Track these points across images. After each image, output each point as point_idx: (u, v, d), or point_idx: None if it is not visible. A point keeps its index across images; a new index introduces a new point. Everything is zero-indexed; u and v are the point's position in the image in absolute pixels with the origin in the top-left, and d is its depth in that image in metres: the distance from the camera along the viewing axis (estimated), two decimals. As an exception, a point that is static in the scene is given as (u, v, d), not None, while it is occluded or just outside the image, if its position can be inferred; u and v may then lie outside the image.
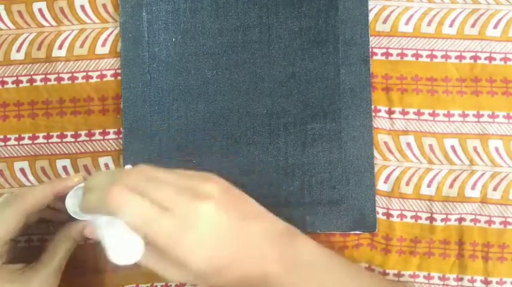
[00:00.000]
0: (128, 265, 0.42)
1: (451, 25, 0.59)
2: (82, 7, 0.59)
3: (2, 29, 0.59)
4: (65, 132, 0.58)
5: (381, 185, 0.58)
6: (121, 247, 0.42)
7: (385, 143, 0.58)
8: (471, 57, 0.58)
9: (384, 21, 0.59)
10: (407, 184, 0.58)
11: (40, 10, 0.59)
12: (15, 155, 0.58)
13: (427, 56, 0.58)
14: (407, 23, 0.59)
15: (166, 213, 0.42)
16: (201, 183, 0.44)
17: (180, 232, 0.42)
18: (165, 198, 0.42)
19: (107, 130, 0.58)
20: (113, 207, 0.41)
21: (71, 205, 0.52)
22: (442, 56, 0.58)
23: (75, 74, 0.59)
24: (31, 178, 0.58)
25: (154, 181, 0.44)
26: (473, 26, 0.58)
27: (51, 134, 0.58)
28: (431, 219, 0.57)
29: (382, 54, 0.59)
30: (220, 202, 0.44)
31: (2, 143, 0.58)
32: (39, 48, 0.59)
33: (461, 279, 0.57)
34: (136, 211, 0.41)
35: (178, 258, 0.42)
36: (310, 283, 0.47)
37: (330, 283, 0.49)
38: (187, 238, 0.42)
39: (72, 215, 0.52)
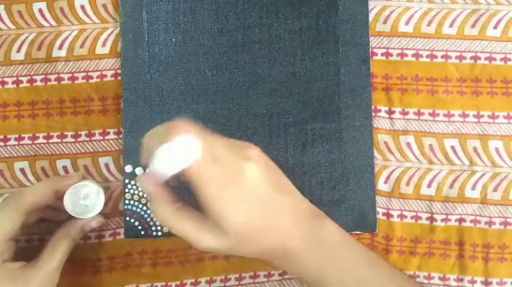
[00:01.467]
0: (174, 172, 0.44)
1: (451, 25, 0.59)
2: (82, 7, 0.59)
3: (2, 29, 0.59)
4: (65, 133, 0.58)
5: (381, 185, 0.58)
6: (170, 157, 0.43)
7: (385, 143, 0.58)
8: (471, 58, 0.58)
9: (384, 21, 0.59)
10: (408, 184, 0.58)
11: (40, 10, 0.59)
12: (15, 155, 0.58)
13: (427, 56, 0.58)
14: (407, 23, 0.59)
15: (217, 164, 0.44)
16: (246, 148, 0.47)
17: (223, 185, 0.44)
18: (218, 151, 0.45)
19: (107, 130, 0.58)
20: (178, 134, 0.43)
21: (70, 203, 0.52)
22: (442, 56, 0.58)
23: (75, 74, 0.59)
24: (31, 178, 0.58)
25: (209, 134, 0.46)
26: (473, 26, 0.58)
27: (51, 134, 0.58)
28: (432, 219, 0.57)
29: (382, 54, 0.59)
30: (262, 167, 0.46)
31: (2, 143, 0.58)
32: (39, 49, 0.59)
33: (462, 280, 0.57)
34: (193, 154, 0.43)
35: (216, 212, 0.44)
36: (327, 264, 0.49)
37: (347, 267, 0.50)
38: (230, 191, 0.44)
39: (70, 213, 0.52)
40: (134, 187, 0.57)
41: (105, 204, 0.55)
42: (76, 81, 0.59)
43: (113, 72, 0.59)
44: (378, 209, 0.57)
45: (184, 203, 0.48)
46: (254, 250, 0.47)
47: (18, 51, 0.59)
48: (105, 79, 0.59)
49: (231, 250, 0.47)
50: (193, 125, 0.46)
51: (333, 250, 0.49)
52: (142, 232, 0.57)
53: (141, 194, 0.57)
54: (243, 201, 0.45)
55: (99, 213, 0.54)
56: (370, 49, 0.58)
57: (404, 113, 0.58)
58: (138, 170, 0.57)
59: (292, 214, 0.48)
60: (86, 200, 0.53)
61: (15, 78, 0.59)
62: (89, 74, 0.59)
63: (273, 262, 0.49)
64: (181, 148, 0.43)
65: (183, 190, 0.46)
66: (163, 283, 0.58)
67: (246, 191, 0.45)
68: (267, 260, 0.49)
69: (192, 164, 0.43)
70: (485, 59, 0.58)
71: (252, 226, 0.46)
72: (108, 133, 0.58)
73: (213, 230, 0.45)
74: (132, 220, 0.57)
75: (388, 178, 0.58)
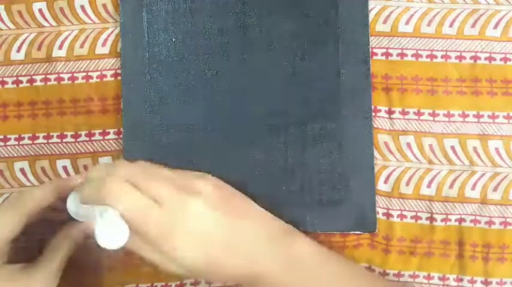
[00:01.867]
0: (112, 249, 0.44)
1: (451, 25, 0.59)
2: (82, 7, 0.59)
3: (2, 29, 0.59)
4: (65, 133, 0.58)
5: (381, 185, 0.58)
6: (107, 233, 0.43)
7: (385, 143, 0.58)
8: (471, 58, 0.58)
9: (384, 22, 0.59)
10: (407, 184, 0.58)
11: (40, 10, 0.59)
12: (15, 155, 0.58)
13: (427, 56, 0.58)
14: (407, 23, 0.59)
15: (157, 206, 0.43)
16: (194, 180, 0.46)
17: (169, 226, 0.43)
18: (157, 192, 0.44)
19: (107, 130, 0.58)
20: (107, 197, 0.43)
21: (73, 205, 0.52)
22: (442, 56, 0.58)
23: (75, 74, 0.59)
24: (31, 178, 0.58)
25: (149, 175, 0.45)
26: (473, 26, 0.58)
27: (51, 134, 0.58)
28: (432, 219, 0.57)
29: (382, 54, 0.59)
30: (211, 199, 0.45)
31: (2, 143, 0.58)
32: (39, 49, 0.59)
33: (461, 280, 0.57)
34: (129, 201, 0.43)
35: (169, 254, 0.44)
36: (307, 283, 0.47)
37: (327, 282, 0.49)
38: (175, 233, 0.43)
39: (73, 216, 0.52)
40: (134, 187, 0.57)
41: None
42: (76, 81, 0.59)
43: (113, 72, 0.59)
44: (377, 209, 0.57)
45: None
46: (222, 278, 0.46)
47: (18, 51, 0.59)
48: (105, 79, 0.59)
49: (198, 277, 0.46)
50: (129, 166, 0.45)
51: (311, 266, 0.48)
52: (142, 232, 0.57)
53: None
54: (192, 238, 0.44)
55: None
56: (370, 49, 0.58)
57: (404, 113, 0.58)
58: (138, 170, 0.57)
59: (257, 236, 0.47)
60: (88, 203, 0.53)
61: (15, 78, 0.59)
62: (89, 74, 0.59)
63: None
64: (114, 226, 0.43)
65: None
66: (163, 283, 0.57)
67: (194, 227, 0.44)
68: (244, 285, 0.48)
69: (130, 213, 0.43)
70: (485, 59, 0.58)
71: (209, 258, 0.45)
72: (108, 133, 0.58)
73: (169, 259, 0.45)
74: (132, 220, 0.57)
75: (388, 178, 0.58)
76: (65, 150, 0.58)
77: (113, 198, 0.43)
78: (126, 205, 0.43)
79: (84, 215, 0.53)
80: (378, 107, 0.58)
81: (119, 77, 0.58)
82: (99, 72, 0.59)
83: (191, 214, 0.44)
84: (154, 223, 0.43)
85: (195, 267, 0.44)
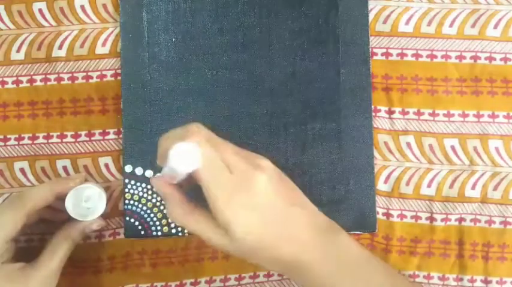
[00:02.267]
0: (181, 171, 0.43)
1: (451, 25, 0.59)
2: (82, 7, 0.59)
3: (2, 29, 0.59)
4: (65, 133, 0.58)
5: (381, 185, 0.58)
6: (182, 157, 0.43)
7: (385, 143, 0.58)
8: (471, 57, 0.58)
9: (384, 21, 0.59)
10: (408, 184, 0.58)
11: (40, 10, 0.59)
12: (15, 155, 0.58)
13: (427, 56, 0.58)
14: (407, 23, 0.59)
15: (228, 171, 0.44)
16: (258, 158, 0.46)
17: (235, 192, 0.44)
18: (230, 159, 0.45)
19: (106, 130, 0.58)
20: (191, 141, 0.43)
21: (71, 205, 0.52)
22: (442, 56, 0.58)
23: (75, 74, 0.59)
24: (31, 178, 0.58)
25: (224, 142, 0.46)
26: (473, 26, 0.58)
27: (51, 134, 0.58)
28: (432, 219, 0.58)
29: (382, 54, 0.59)
30: (274, 178, 0.46)
31: (2, 143, 0.58)
32: (39, 49, 0.59)
33: (461, 279, 0.57)
34: (207, 158, 0.43)
35: (224, 218, 0.44)
36: (344, 278, 0.48)
37: (364, 280, 0.49)
38: (239, 199, 0.44)
39: (72, 215, 0.52)
40: (134, 187, 0.57)
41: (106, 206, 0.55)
42: (76, 81, 0.59)
43: (113, 72, 0.59)
44: (377, 209, 0.57)
45: (197, 203, 0.47)
46: (266, 259, 0.46)
47: (18, 51, 0.59)
48: (105, 79, 0.59)
49: (243, 256, 0.46)
50: (208, 131, 0.46)
51: (349, 263, 0.48)
52: (142, 232, 0.57)
53: (141, 194, 0.57)
54: (250, 210, 0.45)
55: (101, 216, 0.54)
56: (370, 49, 0.58)
57: (404, 113, 0.58)
58: (138, 170, 0.57)
59: (306, 226, 0.47)
60: (87, 203, 0.53)
61: (15, 78, 0.59)
62: (89, 74, 0.59)
63: (286, 274, 0.49)
64: (191, 151, 0.43)
65: (194, 193, 0.46)
66: (163, 283, 0.58)
67: (255, 200, 0.45)
68: (280, 272, 0.48)
69: (204, 167, 0.43)
70: (485, 58, 0.58)
71: (260, 236, 0.45)
72: (108, 133, 0.58)
73: (225, 234, 0.45)
74: (132, 220, 0.57)
75: (388, 177, 0.58)
76: (65, 150, 0.58)
77: (196, 144, 0.43)
78: (203, 158, 0.43)
79: (83, 215, 0.53)
80: (378, 107, 0.58)
81: (119, 77, 0.58)
82: (99, 72, 0.59)
83: (256, 186, 0.45)
84: (222, 184, 0.44)
85: (243, 242, 0.45)
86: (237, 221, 0.44)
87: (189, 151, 0.43)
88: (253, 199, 0.45)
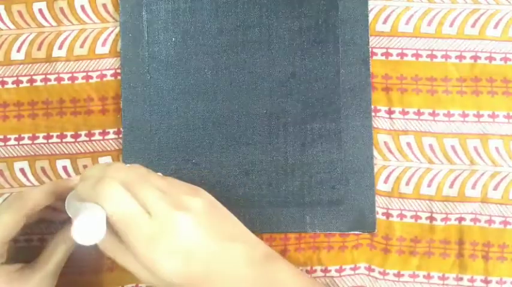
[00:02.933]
0: (84, 244, 0.43)
1: (451, 25, 0.59)
2: (82, 7, 0.59)
3: (2, 29, 0.59)
4: (65, 133, 0.58)
5: (381, 185, 0.58)
6: (84, 227, 0.43)
7: (385, 143, 0.58)
8: (471, 57, 0.58)
9: (384, 21, 0.59)
10: (407, 183, 0.58)
11: (40, 10, 0.59)
12: (15, 155, 0.58)
13: (427, 56, 0.58)
14: (407, 23, 0.59)
15: (146, 216, 0.43)
16: (187, 194, 0.45)
17: (154, 238, 0.43)
18: (149, 201, 0.43)
19: (106, 130, 0.58)
20: (99, 195, 0.43)
21: (72, 206, 0.52)
22: (442, 56, 0.58)
23: (75, 74, 0.59)
24: (31, 178, 0.58)
25: (144, 181, 0.45)
26: (473, 26, 0.58)
27: (51, 134, 0.58)
28: (431, 219, 0.57)
29: (382, 54, 0.58)
30: (201, 217, 0.44)
31: (2, 143, 0.58)
32: (39, 49, 0.59)
33: (461, 279, 0.57)
34: (119, 204, 0.43)
35: (147, 264, 0.43)
36: None
37: None
38: (160, 245, 0.43)
39: (72, 217, 0.52)
40: (134, 187, 0.57)
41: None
42: (76, 81, 0.59)
43: (113, 72, 0.59)
44: (377, 209, 0.57)
45: None
46: None
47: (18, 51, 0.59)
48: (105, 79, 0.59)
49: None
50: (129, 167, 0.45)
51: None
52: (142, 232, 0.57)
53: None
54: (174, 253, 0.43)
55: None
56: (370, 49, 0.58)
57: (404, 113, 0.58)
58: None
59: (242, 260, 0.46)
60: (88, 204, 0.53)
61: (15, 78, 0.59)
62: (89, 74, 0.59)
63: None
64: (94, 222, 0.43)
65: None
66: (163, 283, 0.58)
67: (177, 243, 0.43)
68: None
69: (118, 217, 0.43)
70: (485, 58, 0.58)
71: (188, 275, 0.44)
72: (108, 133, 0.58)
73: (152, 274, 0.44)
74: (132, 220, 0.57)
75: (387, 177, 0.58)
76: (64, 150, 0.58)
77: (104, 198, 0.43)
78: (116, 207, 0.43)
79: (75, 213, 0.53)
80: (378, 107, 0.58)
81: (119, 77, 0.58)
82: (99, 72, 0.59)
83: (178, 229, 0.43)
84: (140, 231, 0.43)
85: (170, 282, 0.44)
86: (160, 265, 0.43)
87: (93, 223, 0.42)
88: (175, 242, 0.43)
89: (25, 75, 0.59)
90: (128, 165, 0.47)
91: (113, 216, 0.43)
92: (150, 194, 0.44)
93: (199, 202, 0.45)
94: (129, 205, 0.43)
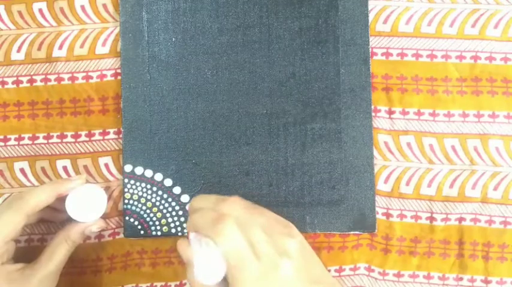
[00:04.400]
0: (207, 283, 0.45)
1: (451, 25, 0.59)
2: (82, 7, 0.59)
3: (2, 29, 0.59)
4: (65, 133, 0.58)
5: (381, 185, 0.58)
6: (206, 267, 0.44)
7: (385, 143, 0.58)
8: (471, 57, 0.58)
9: (384, 21, 0.59)
10: (408, 184, 0.58)
11: (40, 10, 0.59)
12: (15, 155, 0.58)
13: (427, 56, 0.58)
14: (407, 23, 0.59)
15: (254, 258, 0.45)
16: (283, 235, 0.47)
17: (260, 280, 0.44)
18: (257, 244, 0.45)
19: (106, 130, 0.58)
20: (220, 235, 0.44)
21: (72, 206, 0.52)
22: (442, 56, 0.58)
23: (75, 74, 0.59)
24: (31, 178, 0.58)
25: (251, 221, 0.46)
26: (473, 26, 0.58)
27: (51, 134, 0.58)
28: (432, 219, 0.57)
29: (382, 54, 0.58)
30: (297, 262, 0.46)
31: (2, 143, 0.58)
32: (39, 49, 0.59)
33: (461, 279, 0.57)
34: (236, 246, 0.44)
35: None
36: None
37: None
38: (264, 285, 0.45)
39: (72, 216, 0.52)
40: (134, 187, 0.57)
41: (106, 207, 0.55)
42: (76, 81, 0.59)
43: (113, 72, 0.59)
44: (377, 209, 0.57)
45: None
46: None
47: (18, 51, 0.59)
48: (105, 79, 0.59)
49: None
50: (242, 204, 0.47)
51: None
52: (142, 232, 0.57)
53: (140, 193, 0.57)
54: None
55: (101, 217, 0.54)
56: (370, 49, 0.58)
57: (404, 113, 0.58)
58: (138, 170, 0.57)
59: None
60: (88, 204, 0.53)
61: (15, 78, 0.59)
62: (89, 74, 0.59)
63: None
64: (215, 263, 0.44)
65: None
66: (163, 283, 0.58)
67: (280, 286, 0.45)
68: None
69: (230, 256, 0.44)
70: (486, 58, 0.58)
71: None
72: (108, 133, 0.58)
73: None
74: (132, 220, 0.57)
75: (388, 177, 0.58)
76: (65, 150, 0.58)
77: (224, 237, 0.44)
78: (232, 247, 0.44)
79: (83, 216, 0.53)
80: (378, 107, 0.58)
81: (119, 77, 0.58)
82: (99, 72, 0.59)
83: (280, 274, 0.45)
84: (248, 273, 0.44)
85: None
86: None
87: (214, 264, 0.44)
88: (277, 285, 0.45)
89: (25, 76, 0.59)
90: (230, 198, 0.48)
91: (226, 255, 0.44)
92: (258, 236, 0.45)
93: (295, 245, 0.46)
94: (243, 246, 0.45)
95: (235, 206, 0.47)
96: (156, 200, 0.57)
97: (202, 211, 0.47)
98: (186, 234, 0.57)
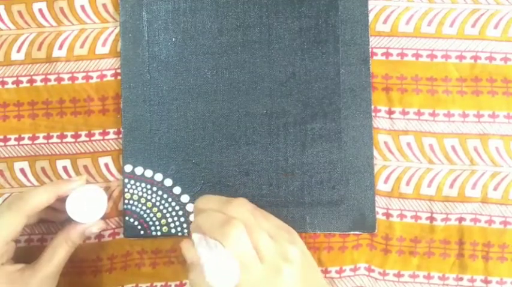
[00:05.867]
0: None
1: (451, 25, 0.58)
2: (82, 7, 0.59)
3: (2, 29, 0.59)
4: (65, 133, 0.58)
5: (381, 185, 0.58)
6: (220, 272, 0.45)
7: (385, 143, 0.58)
8: (471, 57, 0.58)
9: (384, 21, 0.59)
10: (408, 184, 0.58)
11: (40, 10, 0.59)
12: (15, 155, 0.58)
13: (427, 56, 0.58)
14: (407, 23, 0.59)
15: (258, 261, 0.46)
16: (286, 241, 0.47)
17: (262, 283, 0.45)
18: (262, 248, 0.46)
19: (106, 130, 0.58)
20: (228, 237, 0.45)
21: (72, 207, 0.52)
22: (442, 56, 0.58)
23: (75, 74, 0.59)
24: (31, 178, 0.58)
25: (256, 224, 0.47)
26: (473, 26, 0.58)
27: (51, 134, 0.58)
28: (432, 219, 0.57)
29: (382, 54, 0.58)
30: (298, 269, 0.47)
31: (2, 143, 0.58)
32: (39, 49, 0.59)
33: (461, 279, 0.57)
34: (242, 249, 0.45)
35: None
36: None
37: None
38: None
39: (72, 217, 0.52)
40: (134, 187, 0.57)
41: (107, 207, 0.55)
42: (76, 81, 0.59)
43: (113, 72, 0.59)
44: (377, 209, 0.57)
45: None
46: None
47: (18, 51, 0.59)
48: (105, 79, 0.59)
49: None
50: (249, 208, 0.48)
51: None
52: (142, 232, 0.57)
53: (140, 193, 0.57)
54: None
55: (101, 218, 0.54)
56: (370, 49, 0.58)
57: (404, 113, 0.58)
58: (138, 170, 0.57)
59: None
60: (88, 205, 0.53)
61: (15, 78, 0.59)
62: (89, 74, 0.59)
63: None
64: (229, 266, 0.45)
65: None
66: (163, 283, 0.58)
67: None
68: None
69: (241, 258, 0.45)
70: (486, 58, 0.58)
71: None
72: (108, 133, 0.58)
73: None
74: (132, 220, 0.57)
75: (388, 177, 0.58)
76: (64, 150, 0.58)
77: (231, 240, 0.45)
78: (238, 249, 0.45)
79: (83, 217, 0.53)
80: (378, 107, 0.58)
81: (119, 77, 0.58)
82: (99, 72, 0.59)
83: (281, 280, 0.46)
84: (251, 275, 0.45)
85: None
86: None
87: (228, 268, 0.45)
88: None
89: (25, 76, 0.59)
90: (236, 200, 0.48)
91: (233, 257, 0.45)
92: (262, 240, 0.46)
93: (297, 253, 0.47)
94: (248, 249, 0.45)
95: (241, 209, 0.47)
96: (156, 200, 0.57)
97: (209, 212, 0.48)
98: (186, 234, 0.57)
